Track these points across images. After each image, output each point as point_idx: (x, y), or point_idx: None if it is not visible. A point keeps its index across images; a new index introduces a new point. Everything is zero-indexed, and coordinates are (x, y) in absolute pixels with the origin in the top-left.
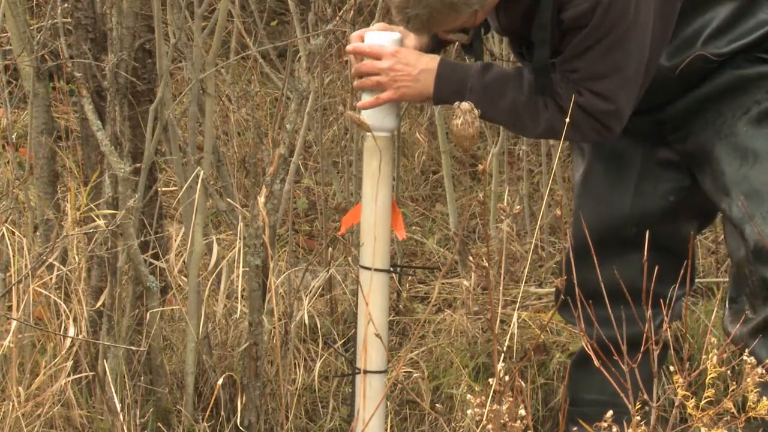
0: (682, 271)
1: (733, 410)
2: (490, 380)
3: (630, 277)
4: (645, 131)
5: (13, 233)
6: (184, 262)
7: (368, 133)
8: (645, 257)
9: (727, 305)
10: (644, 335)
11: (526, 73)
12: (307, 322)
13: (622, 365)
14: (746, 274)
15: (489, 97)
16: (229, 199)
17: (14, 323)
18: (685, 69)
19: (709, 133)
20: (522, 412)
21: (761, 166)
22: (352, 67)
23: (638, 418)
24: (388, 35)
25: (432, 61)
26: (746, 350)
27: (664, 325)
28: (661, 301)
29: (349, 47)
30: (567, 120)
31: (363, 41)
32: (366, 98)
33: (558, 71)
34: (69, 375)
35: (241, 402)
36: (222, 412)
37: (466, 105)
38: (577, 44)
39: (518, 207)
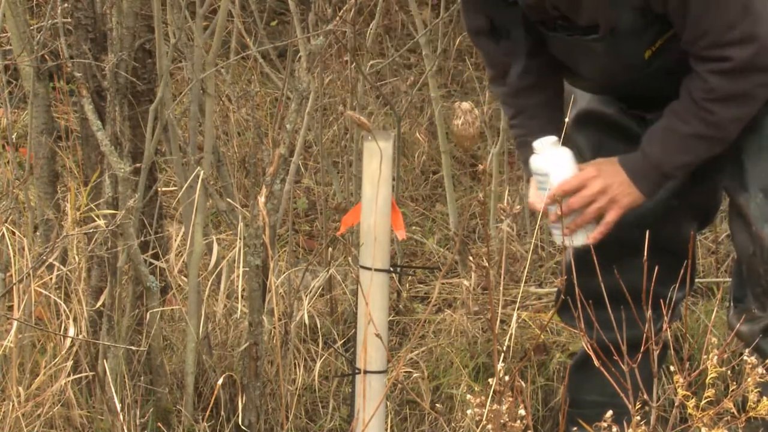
0: (682, 272)
1: (734, 410)
2: (490, 380)
3: (632, 279)
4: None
5: (14, 233)
6: (184, 262)
7: (368, 134)
8: (645, 257)
9: (731, 304)
10: (644, 336)
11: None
12: (307, 322)
13: (622, 366)
14: (760, 273)
15: (673, 150)
16: (229, 199)
17: (15, 323)
18: None
19: None
20: (522, 412)
21: None
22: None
23: (638, 418)
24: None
25: (620, 169)
26: (755, 348)
27: (664, 326)
28: (662, 302)
29: (556, 191)
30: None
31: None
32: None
33: (693, 55)
34: (69, 375)
35: (241, 402)
36: (222, 412)
37: (466, 105)
38: (680, 7)
39: (518, 207)
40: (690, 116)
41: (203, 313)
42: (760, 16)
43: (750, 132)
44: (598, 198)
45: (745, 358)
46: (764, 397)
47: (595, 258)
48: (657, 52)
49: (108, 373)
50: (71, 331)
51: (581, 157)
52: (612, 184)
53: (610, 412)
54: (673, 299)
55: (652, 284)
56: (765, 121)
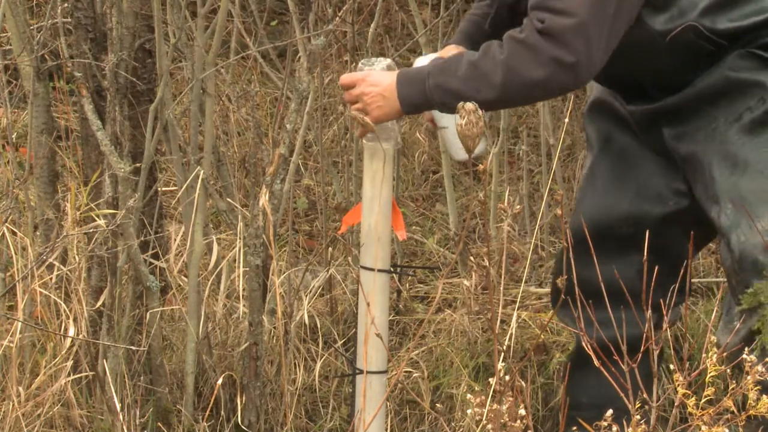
0: (677, 278)
1: (734, 409)
2: (491, 380)
3: (625, 278)
4: (645, 126)
5: (14, 233)
6: (184, 262)
7: (369, 133)
8: (645, 257)
9: (721, 318)
10: (633, 338)
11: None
12: (307, 322)
13: (612, 368)
14: (734, 284)
15: (447, 70)
16: (229, 199)
17: (16, 323)
18: (677, 40)
19: (701, 139)
20: (522, 412)
21: (750, 175)
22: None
23: (638, 417)
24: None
25: (394, 75)
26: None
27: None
28: (649, 307)
29: (341, 81)
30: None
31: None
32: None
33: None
34: (69, 375)
35: (241, 402)
36: (222, 412)
37: (470, 105)
38: None
39: (518, 207)
40: (486, 46)
41: (203, 313)
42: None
43: (719, 147)
44: (359, 99)
45: (744, 357)
46: (764, 396)
47: (571, 255)
48: None
49: (108, 373)
50: (71, 331)
51: (591, 149)
52: (369, 93)
53: (610, 411)
54: (666, 304)
55: (643, 286)
56: (731, 134)
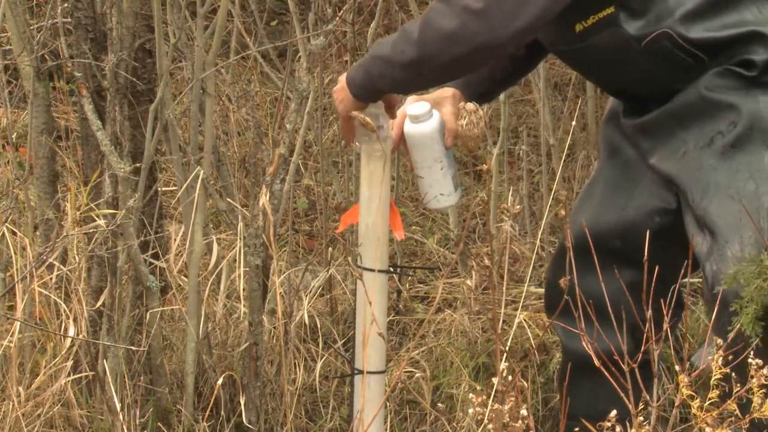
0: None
1: (737, 411)
2: (493, 380)
3: (610, 292)
4: (636, 142)
5: (14, 233)
6: (184, 262)
7: (364, 135)
8: (645, 257)
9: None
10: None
11: None
12: (307, 322)
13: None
14: (713, 321)
15: (382, 41)
16: (229, 199)
17: (16, 323)
18: (652, 47)
19: (674, 162)
20: (524, 412)
21: (720, 200)
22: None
23: (641, 418)
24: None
25: None
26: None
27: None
28: (650, 307)
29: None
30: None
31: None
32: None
33: None
34: (69, 375)
35: (241, 402)
36: (222, 412)
37: (471, 106)
38: None
39: (518, 207)
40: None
41: (203, 313)
42: None
43: (693, 172)
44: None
45: (749, 360)
46: None
47: (575, 261)
48: (589, 30)
49: (108, 373)
50: (71, 331)
51: (599, 159)
52: (336, 91)
53: (614, 412)
54: (636, 325)
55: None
56: (704, 159)
